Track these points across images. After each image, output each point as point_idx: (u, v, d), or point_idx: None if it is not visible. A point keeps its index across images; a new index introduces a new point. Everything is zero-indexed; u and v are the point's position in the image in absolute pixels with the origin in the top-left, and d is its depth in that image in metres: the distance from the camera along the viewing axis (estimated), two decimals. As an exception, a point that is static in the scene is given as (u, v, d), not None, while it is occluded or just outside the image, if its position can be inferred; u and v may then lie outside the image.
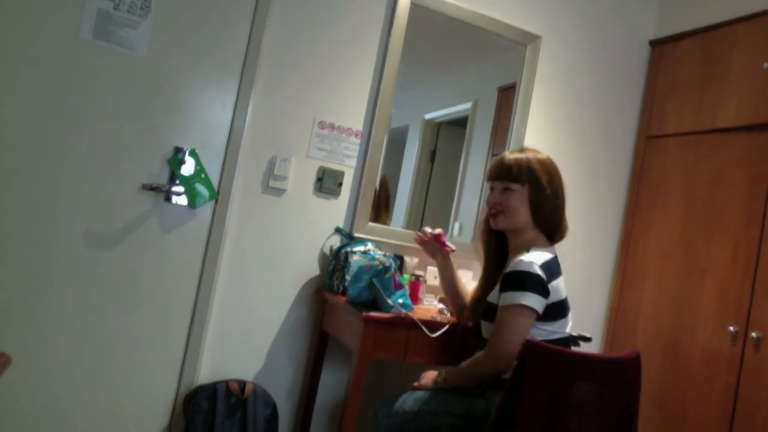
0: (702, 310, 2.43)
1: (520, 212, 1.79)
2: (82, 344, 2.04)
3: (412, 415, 1.76)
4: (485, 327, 1.81)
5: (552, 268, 1.72)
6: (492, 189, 1.87)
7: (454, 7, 2.51)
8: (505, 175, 1.81)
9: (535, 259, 1.69)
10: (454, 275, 2.11)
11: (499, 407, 1.50)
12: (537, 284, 1.66)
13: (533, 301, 1.64)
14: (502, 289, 1.70)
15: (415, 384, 1.88)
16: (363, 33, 2.40)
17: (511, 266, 1.71)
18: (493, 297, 1.78)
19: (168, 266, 2.15)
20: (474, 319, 1.92)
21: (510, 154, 1.85)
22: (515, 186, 1.79)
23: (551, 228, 1.82)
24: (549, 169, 1.83)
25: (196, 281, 2.18)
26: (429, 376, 1.87)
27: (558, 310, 1.73)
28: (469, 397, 1.77)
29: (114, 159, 2.06)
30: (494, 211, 1.83)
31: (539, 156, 1.84)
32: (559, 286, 1.74)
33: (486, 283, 1.90)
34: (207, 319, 2.19)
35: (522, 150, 1.88)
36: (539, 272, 1.66)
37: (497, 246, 1.92)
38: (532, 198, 1.79)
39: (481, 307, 1.83)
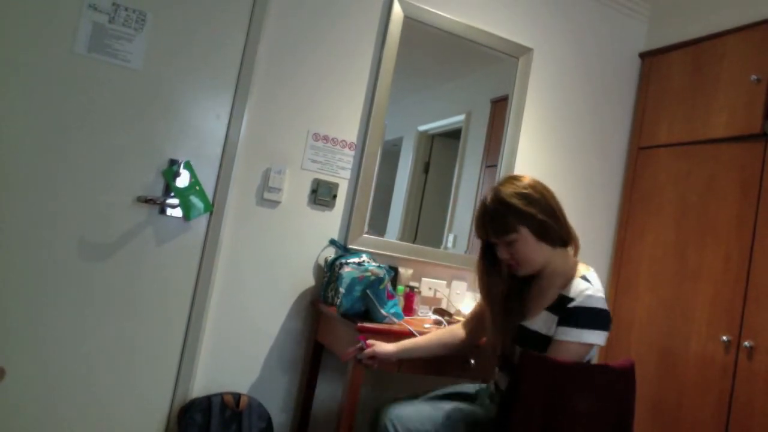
0: (695, 318, 2.44)
1: (536, 253, 1.65)
2: (75, 356, 2.03)
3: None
4: (513, 348, 1.70)
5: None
6: (487, 242, 1.72)
7: (447, 20, 2.54)
8: (497, 232, 1.65)
9: (600, 289, 1.61)
10: (424, 344, 1.88)
11: (496, 416, 1.50)
12: (608, 321, 1.59)
13: (603, 338, 1.58)
14: (572, 324, 1.57)
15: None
16: (357, 45, 2.42)
17: (580, 300, 1.57)
18: (539, 326, 1.65)
19: (163, 278, 2.14)
20: (506, 350, 1.76)
21: (490, 203, 1.66)
22: (513, 236, 1.63)
23: (565, 244, 1.71)
24: (533, 197, 1.64)
25: (190, 294, 2.18)
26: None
27: None
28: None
29: (109, 171, 2.06)
30: (511, 264, 1.68)
31: (518, 189, 1.65)
32: None
33: (507, 314, 1.73)
34: (202, 332, 2.19)
35: (496, 192, 1.67)
36: (607, 307, 1.60)
37: (509, 285, 1.75)
38: (537, 234, 1.63)
39: (517, 335, 1.70)
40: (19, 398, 1.96)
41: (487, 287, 1.76)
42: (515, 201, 1.62)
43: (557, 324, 1.60)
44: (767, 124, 2.30)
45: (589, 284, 1.61)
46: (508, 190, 1.65)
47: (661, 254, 2.66)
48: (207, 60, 2.19)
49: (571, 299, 1.59)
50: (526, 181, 1.68)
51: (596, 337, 1.56)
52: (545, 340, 1.61)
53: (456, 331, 1.91)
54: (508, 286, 1.75)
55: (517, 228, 1.62)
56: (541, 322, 1.64)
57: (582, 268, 1.67)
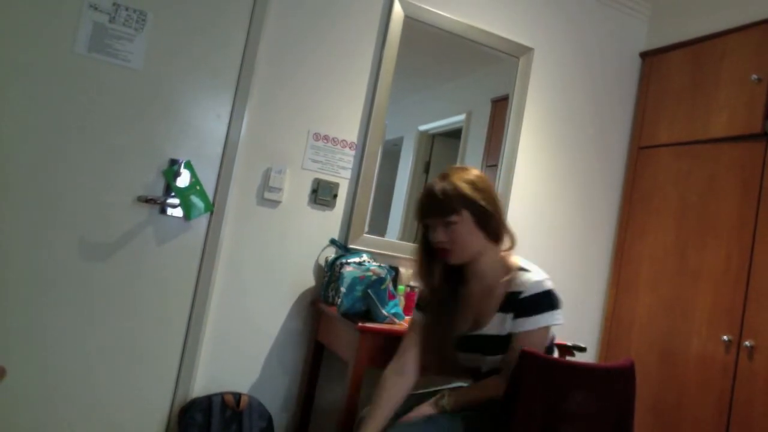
0: (696, 318, 2.44)
1: (472, 239, 1.66)
2: (76, 356, 2.03)
3: None
4: (476, 359, 1.71)
5: None
6: (427, 227, 1.71)
7: (447, 20, 2.54)
8: (440, 211, 1.65)
9: (540, 272, 1.66)
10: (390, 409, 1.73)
11: (496, 417, 1.50)
12: (557, 298, 1.64)
13: (560, 317, 1.63)
14: (529, 313, 1.61)
15: (411, 415, 1.64)
16: (357, 45, 2.42)
17: (530, 289, 1.62)
18: (494, 329, 1.66)
19: (163, 278, 2.14)
20: (450, 358, 1.76)
21: (436, 184, 1.68)
22: (454, 217, 1.63)
23: (497, 240, 1.71)
24: (479, 185, 1.67)
25: (191, 293, 2.18)
26: (425, 407, 1.66)
27: None
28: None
29: (110, 171, 2.06)
30: (445, 247, 1.66)
31: (465, 176, 1.68)
32: None
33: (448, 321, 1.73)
34: (202, 332, 2.19)
35: (444, 176, 1.69)
36: (553, 286, 1.64)
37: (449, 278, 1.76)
38: (477, 220, 1.65)
39: (471, 344, 1.70)
40: (19, 398, 1.96)
41: (427, 274, 1.76)
42: (462, 185, 1.66)
43: (513, 318, 1.64)
44: (767, 123, 2.30)
45: (529, 273, 1.66)
46: (455, 176, 1.69)
47: (661, 254, 2.66)
48: (207, 60, 2.19)
49: (520, 292, 1.63)
50: (475, 172, 1.73)
51: (552, 318, 1.62)
52: (501, 340, 1.65)
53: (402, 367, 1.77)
54: (444, 294, 1.75)
55: (459, 210, 1.64)
56: (496, 324, 1.67)
57: (517, 260, 1.72)
